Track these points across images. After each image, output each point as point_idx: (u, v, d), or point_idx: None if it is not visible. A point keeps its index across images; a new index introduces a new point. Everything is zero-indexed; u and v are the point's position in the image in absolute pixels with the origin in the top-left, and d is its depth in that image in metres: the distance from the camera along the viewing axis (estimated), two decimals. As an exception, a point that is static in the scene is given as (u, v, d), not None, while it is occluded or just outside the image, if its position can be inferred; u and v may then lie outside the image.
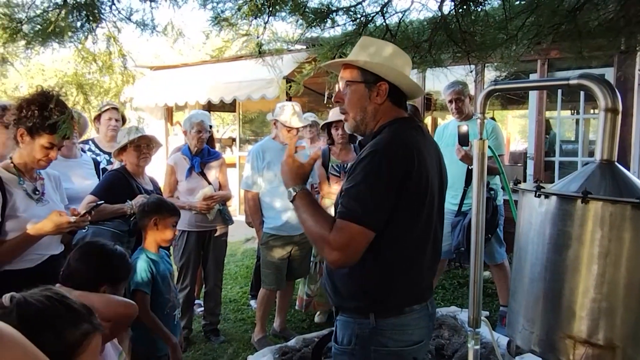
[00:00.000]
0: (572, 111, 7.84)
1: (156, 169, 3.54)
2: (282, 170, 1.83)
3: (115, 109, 4.02)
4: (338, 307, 1.84)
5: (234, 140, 11.07)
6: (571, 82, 1.65)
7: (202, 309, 4.43)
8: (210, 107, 10.00)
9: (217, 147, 10.34)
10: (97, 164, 3.56)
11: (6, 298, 1.14)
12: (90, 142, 4.09)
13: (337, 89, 1.87)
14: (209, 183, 4.03)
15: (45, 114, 2.25)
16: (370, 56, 1.76)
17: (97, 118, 4.11)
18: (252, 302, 4.93)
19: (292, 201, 1.75)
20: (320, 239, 1.61)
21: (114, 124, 4.04)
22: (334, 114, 4.26)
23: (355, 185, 1.60)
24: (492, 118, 10.57)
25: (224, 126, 16.50)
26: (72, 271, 1.89)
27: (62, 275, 1.88)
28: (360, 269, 1.66)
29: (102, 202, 2.59)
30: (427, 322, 1.80)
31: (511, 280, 1.79)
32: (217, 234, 4.14)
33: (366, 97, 1.75)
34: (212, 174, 4.12)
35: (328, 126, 4.28)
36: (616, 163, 1.61)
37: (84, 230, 2.65)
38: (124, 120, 4.12)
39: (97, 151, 4.03)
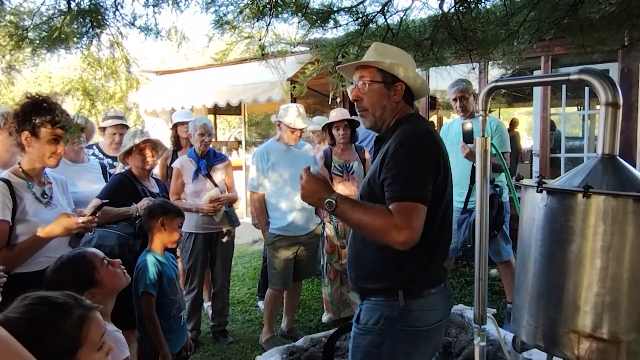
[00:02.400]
0: (578, 107, 7.81)
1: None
2: (306, 194, 1.83)
3: (122, 125, 4.05)
4: (365, 292, 1.94)
5: (240, 142, 11.12)
6: (572, 77, 1.65)
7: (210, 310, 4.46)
8: (216, 110, 10.05)
9: (224, 150, 10.42)
10: (104, 168, 3.59)
11: None
12: (94, 147, 4.13)
13: (348, 89, 2.04)
14: (216, 185, 4.06)
15: (40, 111, 2.29)
16: (391, 59, 1.94)
17: (102, 129, 4.15)
18: (260, 303, 4.95)
19: (333, 210, 1.76)
20: (385, 226, 1.68)
21: (117, 140, 4.06)
22: (335, 115, 4.29)
23: (400, 172, 1.73)
24: (513, 120, 10.57)
25: (230, 129, 16.54)
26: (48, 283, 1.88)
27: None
28: (392, 249, 1.73)
29: (107, 201, 2.62)
30: (447, 302, 1.95)
31: (515, 276, 1.80)
32: (224, 236, 4.16)
33: (385, 95, 1.92)
34: (219, 176, 4.15)
35: (329, 127, 4.31)
36: (618, 157, 1.62)
37: (90, 234, 2.67)
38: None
39: (101, 155, 4.07)
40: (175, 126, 4.88)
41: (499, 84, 1.90)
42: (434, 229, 1.81)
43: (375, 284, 1.88)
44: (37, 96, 2.36)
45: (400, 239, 1.66)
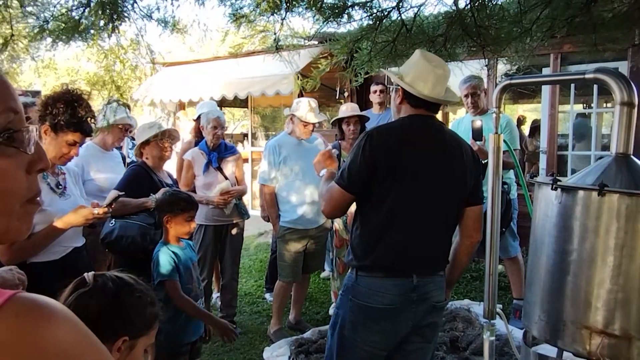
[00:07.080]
0: (584, 105, 7.79)
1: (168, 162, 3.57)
2: (318, 160, 2.38)
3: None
4: None
5: (245, 135, 11.12)
6: (587, 76, 1.67)
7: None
8: (222, 102, 10.05)
9: (229, 142, 10.43)
10: (124, 158, 3.63)
11: (89, 276, 1.25)
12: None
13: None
14: (226, 178, 4.08)
15: (70, 112, 2.30)
16: (404, 67, 2.20)
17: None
18: (267, 295, 4.98)
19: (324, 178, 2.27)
20: (321, 196, 2.18)
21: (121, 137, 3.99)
22: (345, 110, 4.31)
23: (347, 157, 2.09)
24: (520, 118, 10.54)
25: (234, 122, 16.52)
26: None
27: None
28: (354, 229, 2.13)
29: (123, 193, 2.64)
30: (407, 292, 2.04)
31: (527, 272, 1.82)
32: (234, 229, 4.20)
33: (393, 99, 2.23)
34: (229, 168, 4.17)
35: (339, 122, 4.33)
36: (632, 156, 1.63)
37: (111, 224, 2.70)
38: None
39: None
40: (199, 118, 4.75)
41: (513, 81, 1.92)
42: (375, 218, 2.05)
43: (346, 256, 2.19)
44: (73, 91, 2.35)
45: (321, 208, 2.18)
